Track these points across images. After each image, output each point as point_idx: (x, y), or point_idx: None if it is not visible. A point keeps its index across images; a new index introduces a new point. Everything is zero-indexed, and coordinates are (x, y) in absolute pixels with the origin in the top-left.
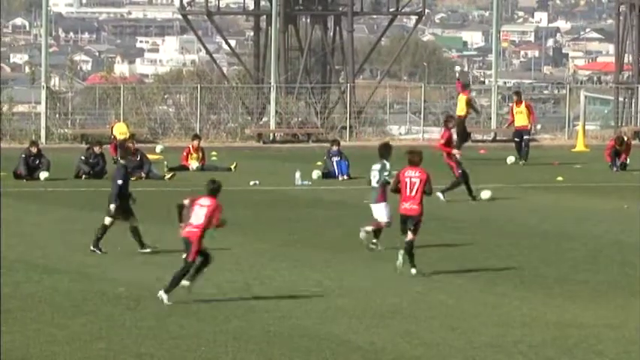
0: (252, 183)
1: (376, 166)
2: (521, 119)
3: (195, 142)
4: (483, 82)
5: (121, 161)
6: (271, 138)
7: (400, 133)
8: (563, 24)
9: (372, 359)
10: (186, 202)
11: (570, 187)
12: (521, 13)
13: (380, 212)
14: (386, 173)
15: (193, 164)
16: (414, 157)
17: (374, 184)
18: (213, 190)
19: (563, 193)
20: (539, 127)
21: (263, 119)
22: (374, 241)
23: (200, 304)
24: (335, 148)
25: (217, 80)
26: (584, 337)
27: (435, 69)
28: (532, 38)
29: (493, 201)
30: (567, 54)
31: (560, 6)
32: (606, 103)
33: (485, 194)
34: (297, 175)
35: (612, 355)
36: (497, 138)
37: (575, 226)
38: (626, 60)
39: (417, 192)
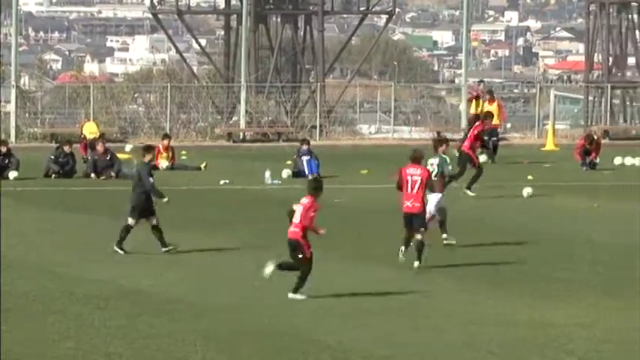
0: (222, 182)
1: (434, 160)
2: None
3: (165, 142)
4: (453, 82)
5: (145, 160)
6: (241, 137)
7: (370, 133)
8: (533, 23)
9: (341, 359)
10: (295, 206)
11: (540, 186)
12: (491, 12)
13: (432, 202)
14: (450, 167)
15: (163, 163)
16: (416, 154)
17: (432, 177)
18: (313, 189)
19: (533, 192)
20: (509, 126)
21: (233, 118)
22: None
23: (170, 304)
24: (305, 147)
25: (187, 79)
26: (555, 336)
27: (406, 68)
28: (502, 37)
29: (467, 201)
30: (537, 53)
31: (531, 5)
32: (576, 102)
33: (527, 191)
34: (267, 174)
35: (583, 354)
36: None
37: (545, 225)
38: (596, 59)
39: (418, 190)
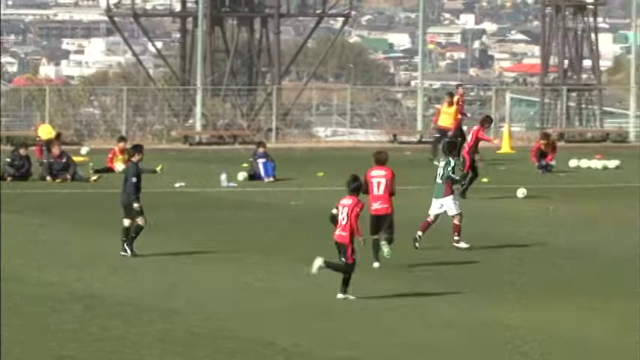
0: (178, 185)
1: (441, 163)
2: (446, 119)
3: (121, 144)
4: (409, 84)
5: (133, 159)
6: (197, 140)
7: (326, 135)
8: (489, 26)
9: None
10: (334, 211)
11: (496, 189)
12: (447, 15)
13: (450, 205)
14: (450, 169)
15: (119, 166)
16: (380, 156)
17: (438, 180)
18: (353, 190)
19: (489, 195)
20: (465, 128)
21: (189, 121)
22: (456, 238)
23: (124, 307)
24: (261, 149)
25: (143, 82)
26: (509, 339)
27: (362, 71)
28: (458, 40)
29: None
30: (493, 56)
31: (487, 8)
32: (532, 104)
33: (521, 192)
34: (223, 177)
35: (537, 356)
36: (423, 140)
37: (500, 228)
38: (551, 62)
39: (384, 191)
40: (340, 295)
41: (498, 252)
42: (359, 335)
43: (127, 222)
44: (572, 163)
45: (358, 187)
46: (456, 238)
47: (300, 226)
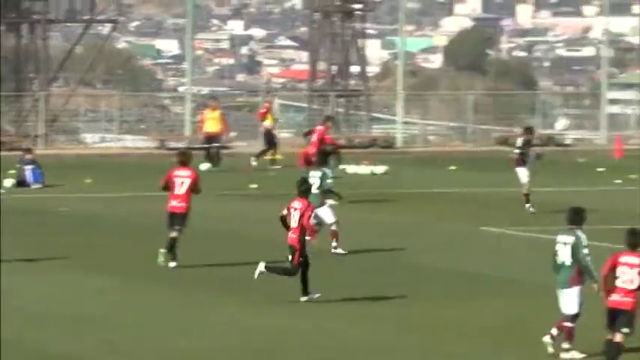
0: None
1: (316, 173)
2: (212, 125)
3: None
4: (176, 90)
5: None
6: None
7: (94, 142)
8: (257, 31)
9: None
10: (284, 212)
11: (264, 195)
12: (215, 21)
13: (327, 214)
14: (329, 180)
15: None
16: (184, 157)
17: (314, 190)
18: (303, 192)
19: (257, 201)
20: (233, 134)
21: None
22: (334, 244)
23: None
24: (28, 156)
25: None
26: (269, 342)
27: (130, 77)
28: (226, 46)
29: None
30: (261, 62)
31: (255, 14)
32: (300, 110)
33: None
34: None
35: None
36: (191, 146)
37: (262, 232)
38: (319, 67)
39: (186, 190)
40: (304, 298)
41: (266, 255)
42: (126, 341)
43: None
44: (340, 168)
45: (308, 190)
46: (334, 244)
47: (68, 233)
